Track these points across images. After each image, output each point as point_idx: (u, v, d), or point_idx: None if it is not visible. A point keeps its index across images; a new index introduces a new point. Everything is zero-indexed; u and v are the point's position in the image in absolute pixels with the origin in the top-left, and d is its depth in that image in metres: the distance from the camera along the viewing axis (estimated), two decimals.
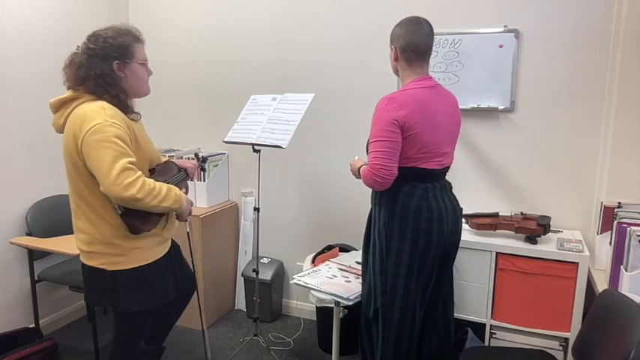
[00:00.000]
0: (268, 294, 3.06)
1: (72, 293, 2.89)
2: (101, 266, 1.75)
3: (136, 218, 1.70)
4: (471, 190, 2.66)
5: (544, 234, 2.32)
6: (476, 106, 2.58)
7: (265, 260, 3.15)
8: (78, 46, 1.75)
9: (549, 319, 2.27)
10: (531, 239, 2.32)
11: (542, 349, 2.16)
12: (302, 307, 3.19)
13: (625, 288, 1.94)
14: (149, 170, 1.85)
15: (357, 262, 2.44)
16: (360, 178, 1.95)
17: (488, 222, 2.42)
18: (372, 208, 2.09)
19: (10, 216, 2.70)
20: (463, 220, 2.12)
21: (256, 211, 2.81)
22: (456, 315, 2.23)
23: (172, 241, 2.05)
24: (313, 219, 3.11)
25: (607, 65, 2.37)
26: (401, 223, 1.91)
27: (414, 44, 1.89)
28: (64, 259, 2.76)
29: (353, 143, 2.86)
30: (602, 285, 2.10)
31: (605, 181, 2.34)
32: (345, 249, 2.79)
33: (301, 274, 2.35)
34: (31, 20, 2.74)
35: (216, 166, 3.16)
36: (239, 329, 3.05)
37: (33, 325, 2.76)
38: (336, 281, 2.28)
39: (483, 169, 2.67)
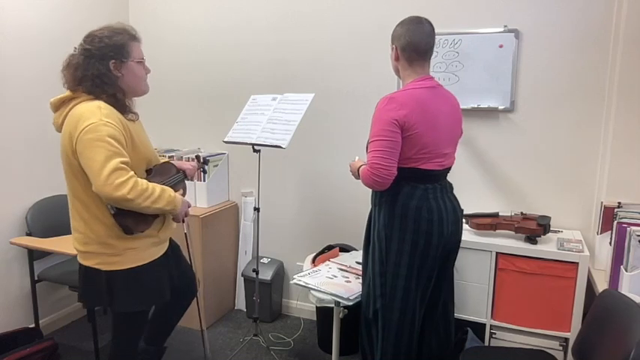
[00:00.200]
0: (268, 294, 3.06)
1: (72, 293, 2.88)
2: (97, 266, 1.75)
3: (129, 219, 1.69)
4: (471, 190, 2.66)
5: (544, 234, 2.32)
6: (476, 106, 2.58)
7: (265, 260, 3.15)
8: (75, 48, 1.75)
9: (549, 319, 2.27)
10: (531, 239, 2.32)
11: (542, 349, 2.16)
12: (302, 307, 3.19)
13: (625, 288, 1.94)
14: (146, 171, 1.84)
15: (358, 262, 2.44)
16: (359, 178, 1.95)
17: (488, 222, 2.42)
18: (372, 209, 2.09)
19: (10, 216, 2.70)
20: (463, 220, 2.12)
21: (256, 211, 2.81)
22: (456, 315, 2.23)
23: (172, 241, 2.05)
24: (313, 219, 3.11)
25: (607, 65, 2.37)
26: (401, 224, 1.91)
27: (414, 44, 1.89)
28: (64, 259, 2.76)
29: (353, 143, 2.86)
30: (602, 285, 2.10)
31: (605, 181, 2.34)
32: (345, 249, 2.79)
33: (301, 274, 2.35)
34: (31, 20, 2.74)
35: (216, 166, 3.16)
36: (239, 329, 3.05)
37: (33, 325, 2.77)
38: (336, 281, 2.28)
39: (483, 169, 2.67)
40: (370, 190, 2.01)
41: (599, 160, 2.45)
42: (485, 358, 2.06)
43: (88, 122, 1.60)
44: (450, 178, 2.06)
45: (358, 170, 1.98)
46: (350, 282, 2.28)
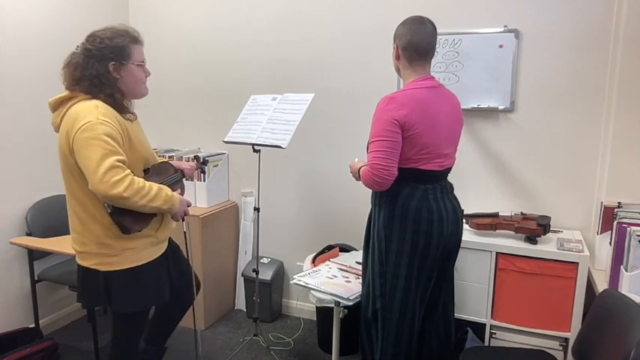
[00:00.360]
0: (268, 294, 3.06)
1: (72, 293, 2.89)
2: (95, 267, 1.74)
3: (126, 218, 1.69)
4: (471, 190, 2.66)
5: (544, 234, 2.32)
6: (476, 106, 2.58)
7: (265, 260, 3.15)
8: (77, 46, 1.75)
9: (549, 319, 2.27)
10: (531, 239, 2.32)
11: (542, 349, 2.16)
12: (302, 307, 3.19)
13: (625, 288, 1.94)
14: (144, 170, 1.84)
15: (358, 262, 2.44)
16: (360, 180, 1.95)
17: (488, 222, 2.42)
18: (372, 209, 2.08)
19: (10, 216, 2.70)
20: (463, 220, 2.12)
21: (256, 211, 2.81)
22: (456, 315, 2.23)
23: (172, 241, 2.05)
24: (313, 219, 3.11)
25: (607, 65, 2.37)
26: (401, 224, 1.91)
27: (415, 43, 1.89)
28: (64, 259, 2.76)
29: (353, 143, 2.86)
30: (602, 285, 2.10)
31: (605, 181, 2.34)
32: (345, 249, 2.79)
33: (301, 274, 2.35)
34: (31, 20, 2.74)
35: (216, 166, 3.16)
36: (239, 329, 3.05)
37: (33, 325, 2.77)
38: (336, 281, 2.28)
39: (483, 169, 2.67)
40: (370, 190, 2.01)
41: (599, 160, 2.45)
42: (485, 358, 2.06)
43: (84, 121, 1.60)
44: (450, 178, 2.06)
45: (359, 171, 1.97)
46: (350, 282, 2.28)
